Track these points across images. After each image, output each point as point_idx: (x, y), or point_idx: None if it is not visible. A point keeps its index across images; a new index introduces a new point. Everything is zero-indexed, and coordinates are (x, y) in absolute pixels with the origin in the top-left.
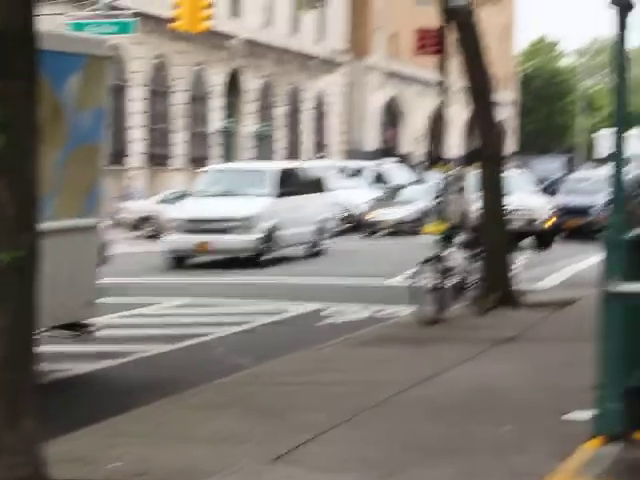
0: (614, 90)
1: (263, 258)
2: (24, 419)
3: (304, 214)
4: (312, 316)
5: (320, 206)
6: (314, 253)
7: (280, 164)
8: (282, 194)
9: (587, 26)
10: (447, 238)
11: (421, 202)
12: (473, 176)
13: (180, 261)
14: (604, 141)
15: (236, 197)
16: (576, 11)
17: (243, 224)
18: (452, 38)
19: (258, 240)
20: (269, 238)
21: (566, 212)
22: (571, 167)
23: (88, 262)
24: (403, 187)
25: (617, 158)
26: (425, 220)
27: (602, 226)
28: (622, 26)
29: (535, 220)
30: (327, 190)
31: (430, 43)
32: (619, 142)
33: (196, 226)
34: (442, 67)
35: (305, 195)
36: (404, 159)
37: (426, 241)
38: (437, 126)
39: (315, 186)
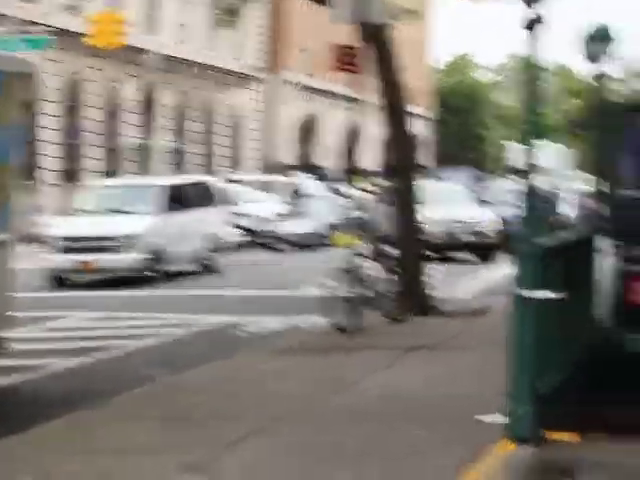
0: (525, 104)
1: (151, 275)
2: None
3: (196, 230)
4: (225, 328)
5: (215, 221)
6: (211, 269)
7: (170, 179)
8: (171, 210)
9: (505, 42)
10: (362, 248)
11: (328, 215)
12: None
13: (62, 280)
14: (515, 152)
15: (122, 214)
16: (492, 27)
17: (127, 242)
18: (368, 54)
19: (144, 258)
20: (157, 255)
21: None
22: (479, 178)
23: (0, 276)
24: (311, 200)
25: (529, 170)
26: (332, 233)
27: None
28: (534, 42)
29: (480, 232)
30: (225, 204)
31: (346, 60)
32: (530, 154)
33: (77, 244)
34: (358, 82)
35: (198, 210)
36: (320, 173)
37: (339, 253)
38: (353, 140)
39: (209, 200)
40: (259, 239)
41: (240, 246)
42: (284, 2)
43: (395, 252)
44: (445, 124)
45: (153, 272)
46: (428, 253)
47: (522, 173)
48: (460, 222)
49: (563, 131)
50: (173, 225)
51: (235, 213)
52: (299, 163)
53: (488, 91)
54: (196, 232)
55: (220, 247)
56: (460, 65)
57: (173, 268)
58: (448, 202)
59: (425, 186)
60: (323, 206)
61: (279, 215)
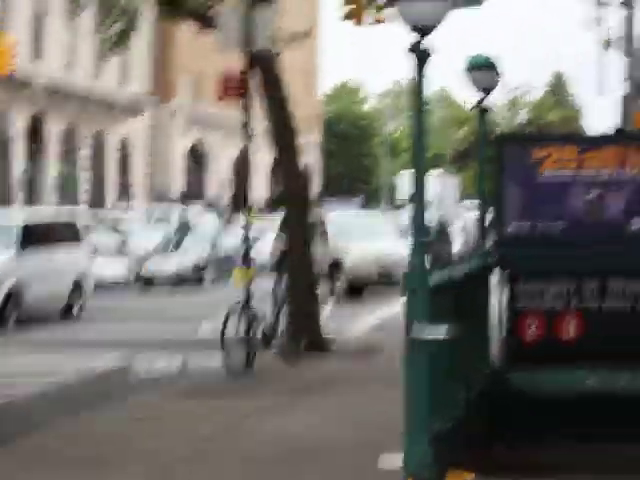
0: (413, 133)
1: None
2: None
3: (57, 268)
4: (118, 370)
5: (79, 259)
6: (78, 311)
7: (26, 213)
8: (26, 248)
9: (389, 69)
10: (257, 283)
11: (205, 249)
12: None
13: None
14: (404, 183)
15: None
16: (378, 55)
17: None
18: (256, 81)
19: None
20: (8, 299)
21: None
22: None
23: None
24: (187, 233)
25: (417, 200)
26: (209, 269)
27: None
28: (420, 72)
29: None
30: (102, 238)
31: (233, 87)
32: (419, 184)
33: None
34: (246, 110)
35: (60, 247)
36: (210, 204)
37: (231, 289)
38: (242, 170)
39: (74, 236)
40: (141, 276)
41: (121, 284)
42: (172, 27)
43: (289, 286)
44: (333, 154)
45: (6, 316)
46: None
47: (412, 203)
48: (389, 255)
49: (451, 161)
50: (31, 265)
51: (118, 247)
52: (189, 193)
53: (374, 119)
54: (59, 272)
55: (90, 287)
56: (345, 91)
57: (31, 310)
58: (373, 235)
59: (345, 218)
60: (211, 239)
61: (160, 249)
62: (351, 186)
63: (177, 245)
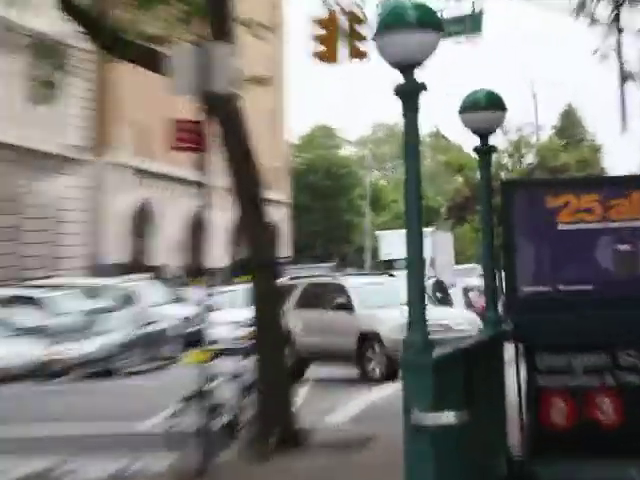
0: (405, 182)
1: None
2: None
3: None
4: (41, 477)
5: None
6: None
7: None
8: None
9: (368, 112)
10: (216, 366)
11: (121, 331)
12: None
13: None
14: (388, 241)
15: None
16: (355, 96)
17: None
18: (213, 130)
19: None
20: None
21: None
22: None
23: None
24: (104, 312)
25: (413, 264)
26: (124, 355)
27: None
28: (408, 114)
29: None
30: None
31: (187, 138)
32: (414, 244)
33: None
34: (202, 165)
35: None
36: (157, 273)
37: (183, 373)
38: (196, 232)
39: None
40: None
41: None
42: (112, 71)
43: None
44: (306, 210)
45: None
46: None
47: (400, 266)
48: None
49: (447, 216)
50: None
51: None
52: (134, 262)
53: (353, 167)
54: None
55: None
56: (319, 135)
57: None
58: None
59: (366, 283)
60: (114, 319)
61: (79, 329)
62: (328, 247)
63: (89, 326)
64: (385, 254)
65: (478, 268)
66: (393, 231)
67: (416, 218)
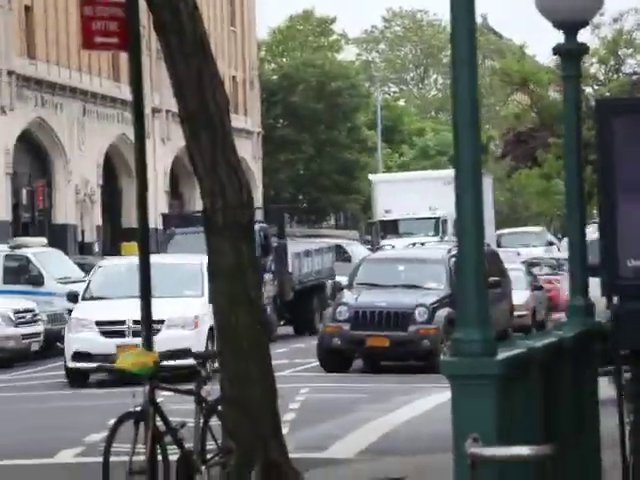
0: (455, 97)
1: None
2: None
3: None
4: None
5: None
6: None
7: None
8: None
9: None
10: (158, 377)
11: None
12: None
13: None
14: (387, 191)
15: None
16: None
17: None
18: (150, 19)
19: None
20: None
21: (363, 321)
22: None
23: None
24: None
25: (470, 232)
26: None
27: (429, 345)
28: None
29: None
30: None
31: (102, 29)
32: (470, 203)
33: None
34: (135, 75)
35: None
36: (59, 237)
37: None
38: (119, 170)
39: None
40: None
41: None
42: None
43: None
44: (286, 143)
45: None
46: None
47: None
48: None
49: (500, 153)
50: None
51: None
52: (16, 219)
53: (355, 79)
54: None
55: None
56: (299, 34)
57: None
58: None
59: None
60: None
61: None
62: (319, 200)
63: None
64: (383, 211)
65: (545, 233)
66: (395, 175)
67: (472, 163)
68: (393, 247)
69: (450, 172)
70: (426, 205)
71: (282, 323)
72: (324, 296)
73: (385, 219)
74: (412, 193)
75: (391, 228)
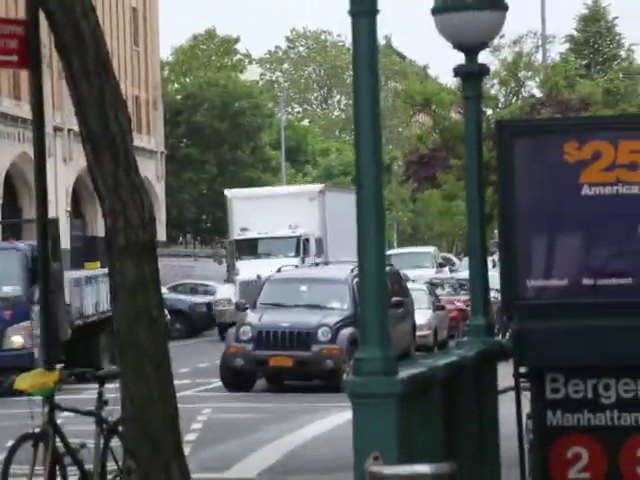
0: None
1: None
2: None
3: None
4: None
5: None
6: None
7: None
8: None
9: (281, 17)
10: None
11: None
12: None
13: None
14: (244, 207)
15: None
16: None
17: None
18: (51, 36)
19: None
20: None
21: (267, 340)
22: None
23: None
24: None
25: (365, 246)
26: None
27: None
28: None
29: None
30: None
31: (5, 48)
32: (371, 219)
33: None
34: (35, 93)
35: None
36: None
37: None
38: (21, 189)
39: None
40: None
41: None
42: None
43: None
44: (189, 163)
45: None
46: None
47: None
48: None
49: (404, 175)
50: None
51: None
52: None
53: (259, 99)
54: None
55: None
56: (202, 53)
57: None
58: None
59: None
60: None
61: None
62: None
63: None
64: (239, 229)
65: (436, 254)
66: (253, 190)
67: (374, 183)
68: (259, 277)
69: (315, 187)
70: (286, 223)
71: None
72: None
73: (240, 238)
74: (271, 210)
75: (247, 248)
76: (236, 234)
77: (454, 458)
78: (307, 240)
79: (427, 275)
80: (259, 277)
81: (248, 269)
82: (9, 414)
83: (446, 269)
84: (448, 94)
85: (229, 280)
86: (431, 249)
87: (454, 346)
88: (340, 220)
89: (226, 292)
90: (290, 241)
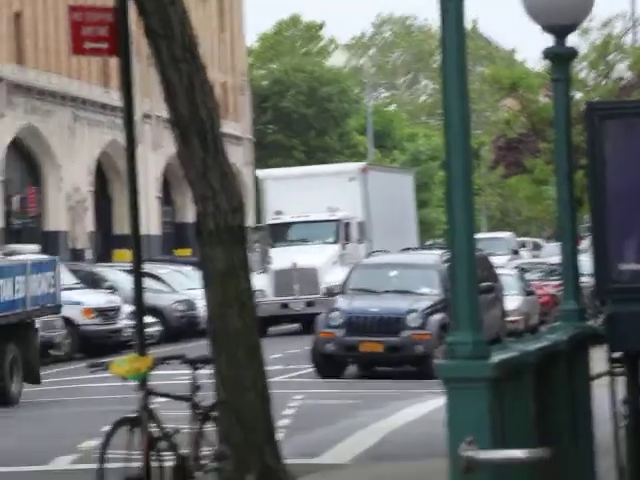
0: (446, 101)
1: None
2: None
3: None
4: None
5: None
6: None
7: None
8: None
9: (354, 12)
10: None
11: None
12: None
13: None
14: (277, 188)
15: None
16: None
17: None
18: (138, 25)
19: None
20: None
21: (357, 326)
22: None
23: None
24: None
25: (461, 236)
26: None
27: (423, 350)
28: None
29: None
30: None
31: (92, 34)
32: (462, 209)
33: None
34: (125, 82)
35: None
36: (50, 244)
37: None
38: (110, 179)
39: None
40: None
41: None
42: None
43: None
44: (275, 149)
45: None
46: None
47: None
48: None
49: (493, 162)
50: None
51: None
52: (12, 224)
53: (345, 84)
54: None
55: None
56: (286, 40)
57: None
58: None
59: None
60: None
61: None
62: None
63: None
64: (273, 213)
65: (511, 240)
66: (288, 170)
67: (463, 168)
68: (294, 265)
69: (356, 166)
70: (325, 205)
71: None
72: (33, 340)
73: (274, 222)
74: (308, 191)
75: (282, 233)
76: (270, 218)
77: (547, 443)
78: (348, 224)
79: (499, 263)
80: (295, 265)
81: (283, 257)
82: (104, 399)
83: (523, 254)
84: (536, 77)
85: (262, 269)
86: (506, 235)
87: (545, 331)
88: (386, 202)
89: (259, 283)
90: (329, 225)
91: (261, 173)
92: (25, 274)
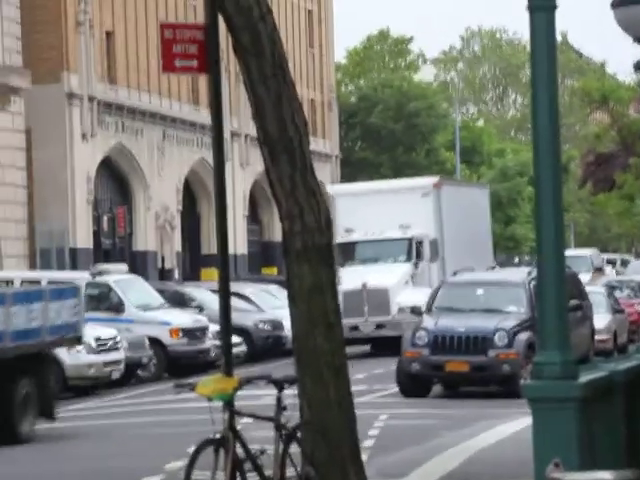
0: (536, 117)
1: None
2: None
3: None
4: None
5: None
6: None
7: None
8: None
9: (453, 15)
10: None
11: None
12: None
13: None
14: (347, 206)
15: None
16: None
17: None
18: (228, 46)
19: None
20: None
21: (443, 346)
22: None
23: None
24: None
25: (548, 251)
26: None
27: (509, 370)
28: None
29: None
30: None
31: (182, 52)
32: (550, 224)
33: None
34: (215, 100)
35: None
36: (140, 263)
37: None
38: (198, 197)
39: None
40: None
41: None
42: None
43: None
44: (364, 165)
45: None
46: None
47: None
48: None
49: (581, 179)
50: None
51: None
52: (97, 246)
53: (433, 99)
54: None
55: None
56: (375, 55)
57: None
58: None
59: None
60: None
61: None
62: None
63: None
64: (343, 230)
65: (595, 257)
66: (359, 185)
67: (552, 184)
68: (364, 286)
69: (429, 180)
70: (397, 223)
71: None
72: (48, 374)
73: (344, 241)
74: (380, 208)
75: (352, 252)
76: (339, 237)
77: (637, 465)
78: (420, 242)
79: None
80: (365, 286)
81: (352, 277)
82: (190, 420)
83: (608, 272)
84: (627, 90)
85: None
86: (588, 252)
87: (635, 350)
88: (459, 218)
89: None
90: (401, 244)
91: (331, 189)
92: (43, 301)
